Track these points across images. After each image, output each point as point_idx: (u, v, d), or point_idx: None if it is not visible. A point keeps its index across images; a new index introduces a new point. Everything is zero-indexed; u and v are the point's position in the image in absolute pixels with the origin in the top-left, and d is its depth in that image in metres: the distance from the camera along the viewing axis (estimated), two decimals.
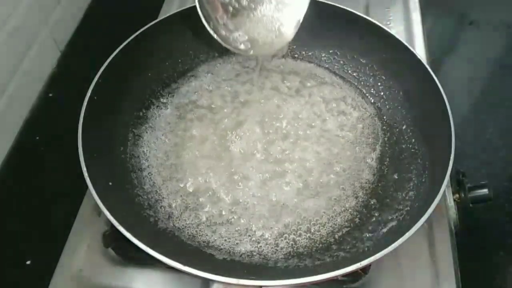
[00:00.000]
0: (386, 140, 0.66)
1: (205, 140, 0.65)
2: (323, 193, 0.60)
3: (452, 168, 0.52)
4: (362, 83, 0.72)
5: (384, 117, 0.69)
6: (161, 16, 0.69)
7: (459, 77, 0.88)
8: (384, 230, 0.54)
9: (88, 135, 0.54)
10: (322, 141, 0.65)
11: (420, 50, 0.79)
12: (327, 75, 0.74)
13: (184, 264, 0.45)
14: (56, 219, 0.62)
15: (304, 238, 0.57)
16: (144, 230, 0.53)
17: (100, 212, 0.60)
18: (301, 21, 0.59)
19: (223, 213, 0.58)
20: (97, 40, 0.74)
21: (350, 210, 0.59)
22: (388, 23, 0.84)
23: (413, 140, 0.63)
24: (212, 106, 0.69)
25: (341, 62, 0.74)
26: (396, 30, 0.83)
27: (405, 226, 0.49)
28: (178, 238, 0.56)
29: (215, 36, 0.58)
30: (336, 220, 0.58)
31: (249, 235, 0.57)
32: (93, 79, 0.59)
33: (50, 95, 0.68)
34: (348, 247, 0.54)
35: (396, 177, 0.61)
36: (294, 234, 0.57)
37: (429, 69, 0.62)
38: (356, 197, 0.60)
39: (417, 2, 0.88)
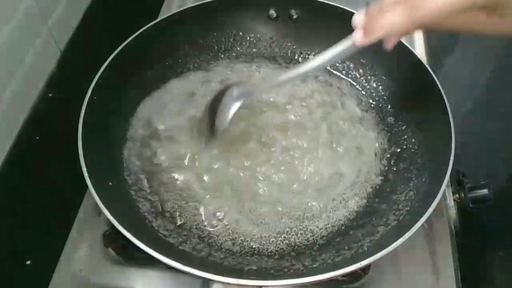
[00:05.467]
0: (386, 140, 0.66)
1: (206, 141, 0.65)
2: (323, 194, 0.60)
3: (452, 168, 0.52)
4: (362, 83, 0.72)
5: (384, 117, 0.68)
6: (161, 16, 0.69)
7: (459, 77, 0.88)
8: (384, 230, 0.54)
9: (88, 135, 0.54)
10: (321, 142, 0.65)
11: (420, 50, 0.79)
12: (327, 75, 0.74)
13: (184, 264, 0.45)
14: (56, 219, 0.61)
15: (304, 238, 0.57)
16: (144, 230, 0.53)
17: (100, 212, 0.60)
18: None
19: (223, 213, 0.58)
20: (97, 40, 0.74)
21: (350, 210, 0.59)
22: None
23: (413, 140, 0.63)
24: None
25: (341, 62, 0.74)
26: None
27: (405, 226, 0.49)
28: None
29: None
30: (336, 220, 0.58)
31: (249, 235, 0.57)
32: (93, 79, 0.59)
33: (50, 95, 0.67)
34: (348, 247, 0.54)
35: (396, 177, 0.61)
36: (294, 234, 0.57)
37: (429, 69, 0.62)
38: (356, 197, 0.60)
39: None
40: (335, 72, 0.74)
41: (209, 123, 0.59)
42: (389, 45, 0.44)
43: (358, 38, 0.42)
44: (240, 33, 0.75)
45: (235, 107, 0.57)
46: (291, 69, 0.52)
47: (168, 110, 0.68)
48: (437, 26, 0.42)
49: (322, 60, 0.48)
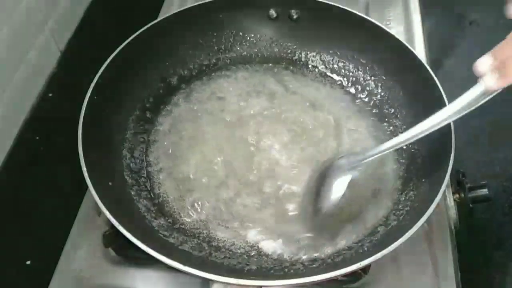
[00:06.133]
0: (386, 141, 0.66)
1: (207, 141, 0.65)
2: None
3: (452, 168, 0.52)
4: (362, 83, 0.72)
5: (384, 117, 0.68)
6: (161, 16, 0.69)
7: (459, 77, 0.87)
8: (384, 230, 0.54)
9: (88, 135, 0.54)
10: (321, 142, 0.65)
11: (420, 50, 0.79)
12: (326, 75, 0.74)
13: (184, 264, 0.45)
14: (56, 219, 0.61)
15: (304, 238, 0.57)
16: (144, 230, 0.53)
17: (100, 212, 0.60)
18: None
19: (224, 213, 0.58)
20: (97, 40, 0.74)
21: (350, 210, 0.59)
22: (388, 23, 0.84)
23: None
24: (213, 105, 0.69)
25: (341, 62, 0.74)
26: (396, 30, 0.83)
27: (405, 226, 0.49)
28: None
29: None
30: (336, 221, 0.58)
31: (250, 236, 0.57)
32: (93, 79, 0.59)
33: (50, 95, 0.68)
34: (348, 247, 0.54)
35: (396, 177, 0.61)
36: (294, 234, 0.57)
37: (429, 69, 0.62)
38: (356, 197, 0.60)
39: (417, 2, 0.88)
40: (333, 74, 0.74)
41: (312, 200, 0.55)
42: None
43: (492, 82, 0.40)
44: (240, 33, 0.75)
45: (343, 183, 0.52)
46: (405, 132, 0.48)
47: (168, 110, 0.68)
48: None
49: (444, 116, 0.43)
